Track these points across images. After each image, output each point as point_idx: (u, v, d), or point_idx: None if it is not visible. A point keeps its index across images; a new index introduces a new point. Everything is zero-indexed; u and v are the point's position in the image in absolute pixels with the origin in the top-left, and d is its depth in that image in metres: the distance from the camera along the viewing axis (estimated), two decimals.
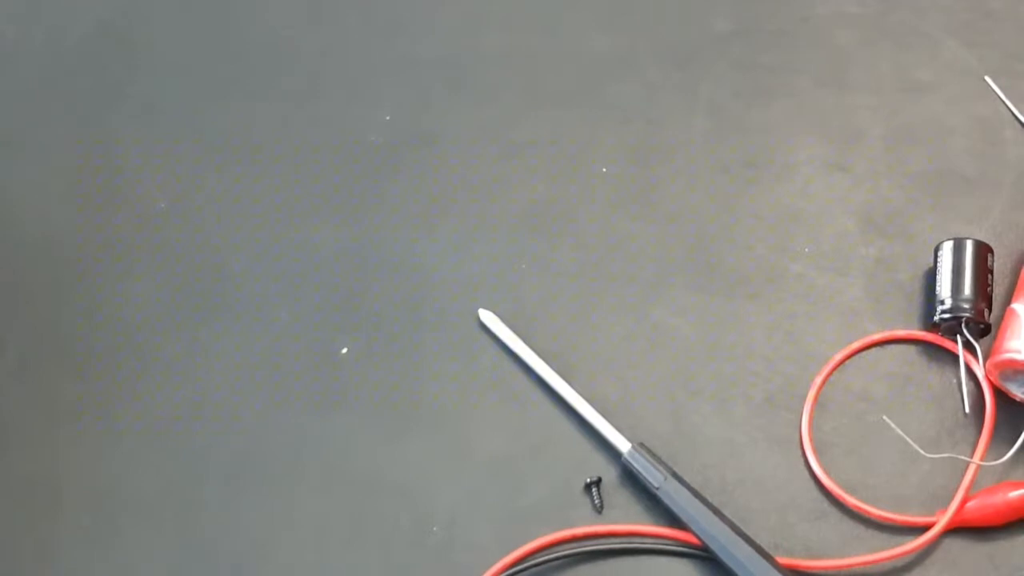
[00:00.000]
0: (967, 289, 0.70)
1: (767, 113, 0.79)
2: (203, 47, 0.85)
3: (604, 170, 0.79)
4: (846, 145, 0.78)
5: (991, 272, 0.71)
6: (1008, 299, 0.70)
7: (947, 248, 0.71)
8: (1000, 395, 0.68)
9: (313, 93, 0.83)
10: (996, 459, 0.67)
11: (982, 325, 0.69)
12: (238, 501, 0.70)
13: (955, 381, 0.70)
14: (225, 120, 0.82)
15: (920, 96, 0.79)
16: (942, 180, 0.76)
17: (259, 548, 0.69)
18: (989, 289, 0.70)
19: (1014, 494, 0.65)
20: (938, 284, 0.70)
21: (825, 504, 0.68)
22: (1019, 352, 0.66)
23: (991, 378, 0.68)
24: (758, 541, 0.65)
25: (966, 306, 0.69)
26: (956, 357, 0.70)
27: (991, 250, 0.71)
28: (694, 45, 0.83)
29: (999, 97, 0.78)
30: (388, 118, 0.82)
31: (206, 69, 0.84)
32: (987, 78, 0.79)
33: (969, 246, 0.71)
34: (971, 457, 0.67)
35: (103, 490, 0.70)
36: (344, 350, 0.74)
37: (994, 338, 0.69)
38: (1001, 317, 0.70)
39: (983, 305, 0.69)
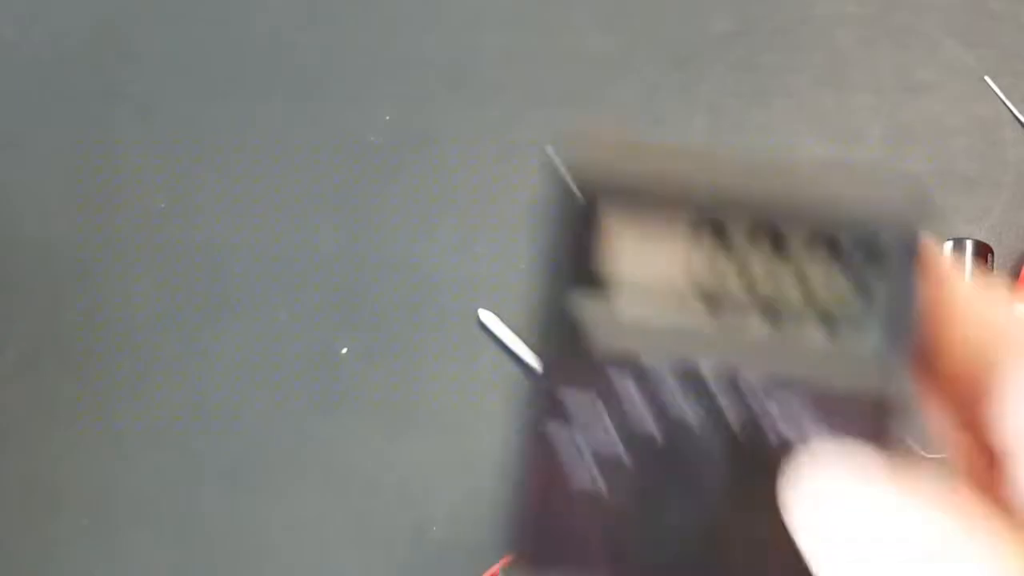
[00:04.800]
0: None
1: (767, 113, 0.79)
2: (203, 47, 0.85)
3: None
4: (846, 145, 0.78)
5: (991, 272, 0.71)
6: None
7: (946, 248, 0.71)
8: None
9: (313, 93, 0.83)
10: None
11: None
12: (238, 501, 0.70)
13: None
14: (225, 120, 0.81)
15: (920, 96, 0.79)
16: (942, 180, 0.76)
17: (259, 548, 0.68)
18: None
19: None
20: None
21: None
22: None
23: None
24: None
25: None
26: None
27: (991, 250, 0.71)
28: (694, 45, 0.83)
29: (999, 97, 0.78)
30: (388, 118, 0.82)
31: (206, 69, 0.84)
32: (987, 78, 0.79)
33: (969, 246, 0.71)
34: None
35: (103, 490, 0.69)
36: (344, 350, 0.74)
37: None
38: None
39: None
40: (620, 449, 0.39)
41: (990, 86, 0.79)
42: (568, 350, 0.38)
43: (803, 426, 0.38)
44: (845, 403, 0.38)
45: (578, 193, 0.39)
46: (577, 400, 0.38)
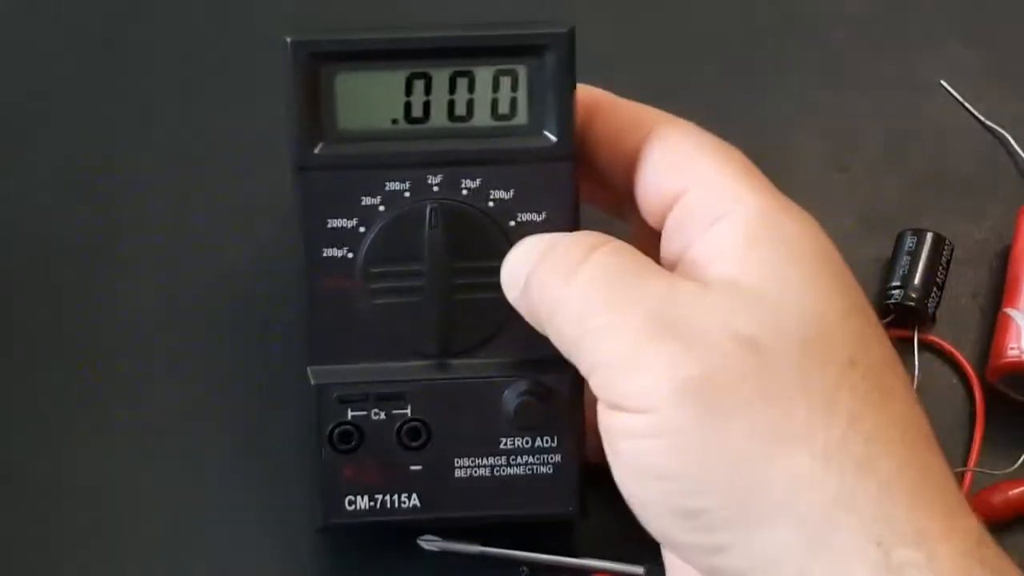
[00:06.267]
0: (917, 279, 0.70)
1: (765, 113, 0.79)
2: (203, 47, 0.84)
3: None
4: (846, 145, 0.78)
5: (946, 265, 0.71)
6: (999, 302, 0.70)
7: (905, 237, 0.71)
8: (991, 398, 0.68)
9: None
10: (993, 465, 0.66)
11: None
12: (238, 502, 0.70)
13: (954, 381, 0.70)
14: (225, 120, 0.81)
15: (920, 96, 0.79)
16: (942, 180, 0.76)
17: (259, 548, 0.69)
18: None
19: (1014, 492, 0.65)
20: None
21: None
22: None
23: (993, 382, 0.68)
24: None
25: (914, 295, 0.69)
26: (956, 357, 0.69)
27: (951, 245, 0.70)
28: (691, 44, 0.82)
29: (958, 100, 0.78)
30: None
31: (206, 69, 0.84)
32: (943, 82, 0.78)
33: (929, 238, 0.70)
34: (967, 462, 0.67)
35: (103, 490, 0.70)
36: None
37: (990, 342, 0.68)
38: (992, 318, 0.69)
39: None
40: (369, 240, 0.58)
41: (989, 87, 0.78)
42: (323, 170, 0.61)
43: (507, 200, 0.56)
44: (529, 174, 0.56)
45: None
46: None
